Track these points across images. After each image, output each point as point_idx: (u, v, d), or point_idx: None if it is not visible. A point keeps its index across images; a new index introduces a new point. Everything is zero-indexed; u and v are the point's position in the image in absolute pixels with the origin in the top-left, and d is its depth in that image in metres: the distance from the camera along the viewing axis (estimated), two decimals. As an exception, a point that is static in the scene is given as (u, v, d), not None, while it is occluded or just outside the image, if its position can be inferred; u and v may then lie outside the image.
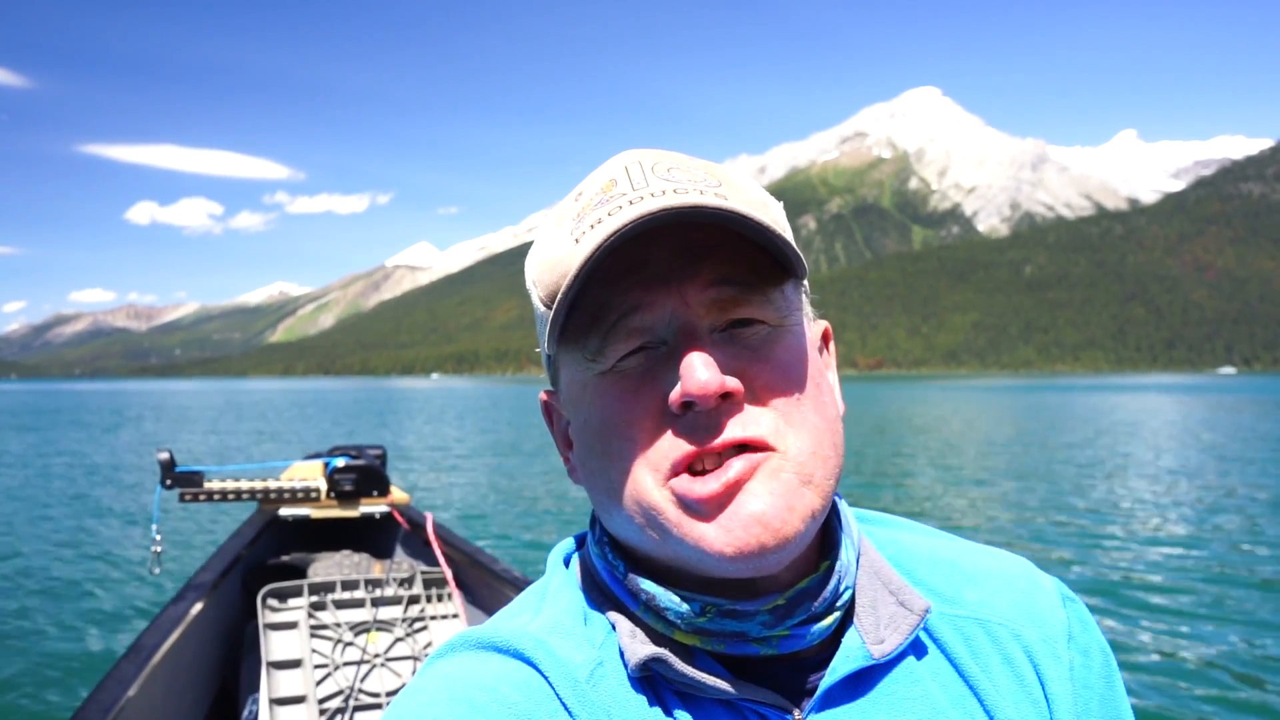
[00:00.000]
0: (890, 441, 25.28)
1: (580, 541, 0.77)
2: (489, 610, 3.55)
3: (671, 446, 0.60)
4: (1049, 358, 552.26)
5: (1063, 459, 19.68)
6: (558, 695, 0.61)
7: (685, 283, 0.61)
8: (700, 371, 0.58)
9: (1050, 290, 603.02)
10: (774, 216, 0.65)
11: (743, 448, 0.60)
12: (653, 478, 0.61)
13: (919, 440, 25.95)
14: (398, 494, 4.28)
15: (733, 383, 0.60)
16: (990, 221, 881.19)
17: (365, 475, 4.15)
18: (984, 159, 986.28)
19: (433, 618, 3.32)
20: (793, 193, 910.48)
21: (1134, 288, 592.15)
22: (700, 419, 0.60)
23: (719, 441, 0.59)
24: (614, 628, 0.67)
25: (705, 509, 0.59)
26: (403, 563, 3.67)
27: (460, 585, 3.53)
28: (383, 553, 4.31)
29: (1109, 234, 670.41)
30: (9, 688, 5.78)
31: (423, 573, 3.45)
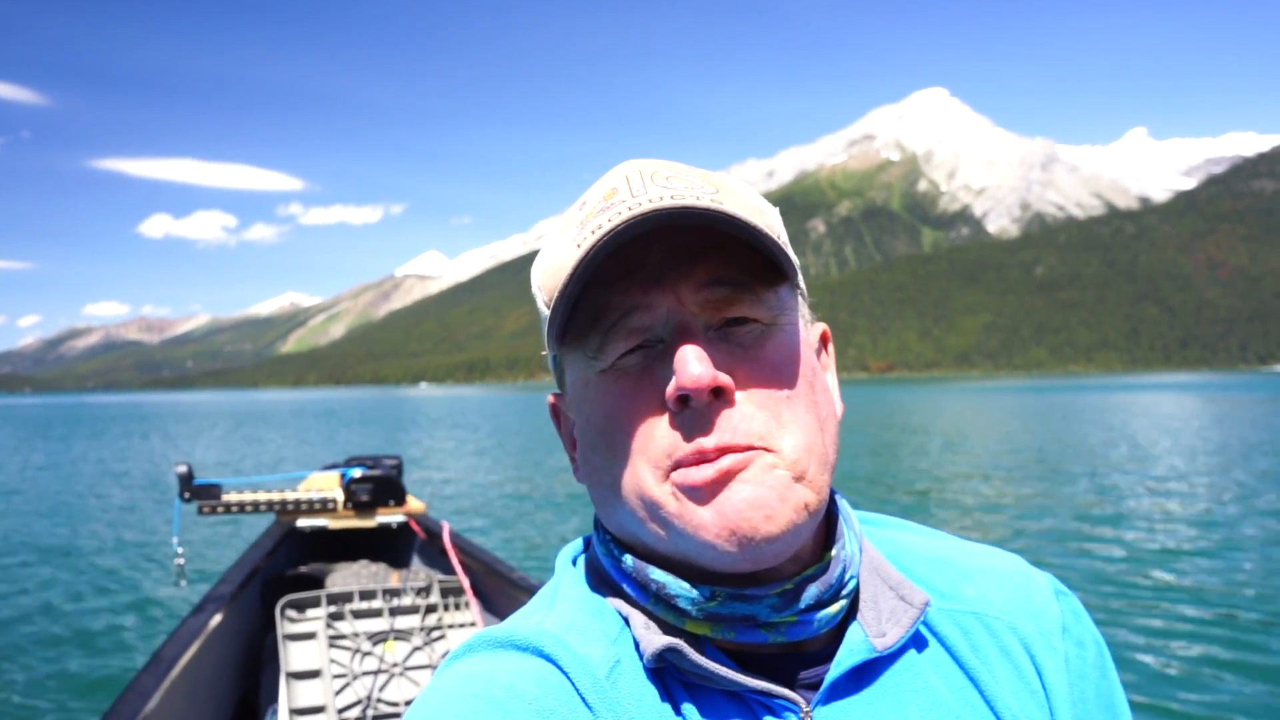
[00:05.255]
0: (901, 444, 24.84)
1: (587, 544, 0.78)
2: (506, 618, 3.26)
3: (671, 443, 0.62)
4: (1061, 358, 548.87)
5: (1101, 460, 19.06)
6: (578, 691, 0.62)
7: (680, 282, 0.63)
8: (693, 365, 0.60)
9: (1062, 291, 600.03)
10: (768, 221, 0.67)
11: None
12: (653, 474, 0.63)
13: (929, 442, 25.49)
14: (414, 503, 4.29)
15: (725, 378, 0.61)
16: (1000, 222, 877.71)
17: (381, 485, 4.17)
18: (993, 160, 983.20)
19: (450, 626, 3.33)
20: (801, 196, 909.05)
21: (1146, 287, 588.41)
22: (695, 418, 0.62)
23: (713, 440, 0.61)
24: (627, 622, 0.68)
25: (702, 494, 0.61)
26: (420, 572, 3.67)
27: (477, 594, 3.54)
28: (400, 562, 4.35)
29: (1120, 233, 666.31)
30: (30, 700, 5.74)
31: (439, 581, 3.47)
